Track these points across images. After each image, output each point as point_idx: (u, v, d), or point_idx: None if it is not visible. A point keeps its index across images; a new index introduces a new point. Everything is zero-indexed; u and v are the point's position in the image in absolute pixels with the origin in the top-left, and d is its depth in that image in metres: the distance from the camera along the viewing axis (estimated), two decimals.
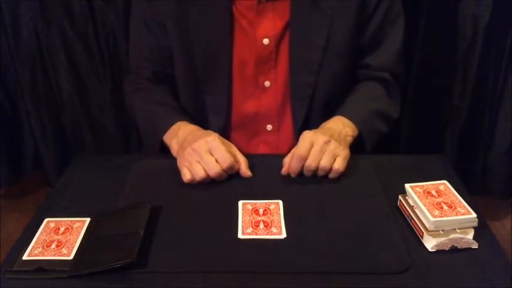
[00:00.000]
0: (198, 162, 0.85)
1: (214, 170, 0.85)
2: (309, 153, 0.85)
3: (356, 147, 0.94)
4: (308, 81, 1.00)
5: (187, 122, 0.98)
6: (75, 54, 1.56)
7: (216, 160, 0.85)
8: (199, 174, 0.85)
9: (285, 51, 0.99)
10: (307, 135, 0.87)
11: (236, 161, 0.87)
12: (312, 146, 0.85)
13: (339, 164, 0.86)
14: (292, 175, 0.87)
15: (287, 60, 1.00)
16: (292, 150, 0.88)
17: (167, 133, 0.97)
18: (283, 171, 0.88)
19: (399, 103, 1.08)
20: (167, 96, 1.06)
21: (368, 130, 0.97)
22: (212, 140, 0.86)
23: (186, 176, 0.86)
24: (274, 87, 1.02)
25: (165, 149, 0.97)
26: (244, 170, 0.88)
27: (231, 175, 0.88)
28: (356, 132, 0.95)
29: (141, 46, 1.07)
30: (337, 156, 0.86)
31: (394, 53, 1.04)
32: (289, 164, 0.87)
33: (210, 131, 0.93)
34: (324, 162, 0.85)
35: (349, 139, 0.93)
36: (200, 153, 0.85)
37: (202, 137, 0.87)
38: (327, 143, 0.86)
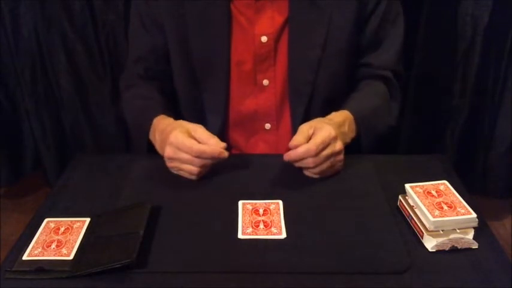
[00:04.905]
0: (180, 168, 0.86)
1: (194, 171, 0.85)
2: (319, 152, 0.83)
3: (353, 146, 0.94)
4: (307, 79, 1.00)
5: (161, 118, 0.95)
6: (75, 54, 1.56)
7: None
8: (194, 174, 0.86)
9: (283, 49, 0.99)
10: (332, 134, 0.84)
11: (204, 142, 0.84)
12: (327, 146, 0.84)
13: (324, 174, 0.86)
14: (288, 157, 0.85)
15: (286, 58, 0.99)
16: (312, 140, 0.84)
17: (150, 133, 0.96)
18: (291, 144, 0.83)
19: (399, 104, 1.08)
20: (153, 91, 1.05)
21: (367, 131, 0.97)
22: (172, 140, 0.84)
23: (190, 177, 0.87)
24: (272, 86, 1.02)
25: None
26: (215, 152, 0.84)
27: (231, 175, 0.88)
28: (354, 134, 0.95)
29: (137, 45, 1.07)
30: (333, 169, 0.87)
31: (395, 52, 1.04)
32: (298, 149, 0.83)
33: (175, 125, 0.89)
34: (320, 172, 0.85)
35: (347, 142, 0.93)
36: (174, 159, 0.85)
37: (165, 140, 0.86)
38: (339, 153, 0.86)
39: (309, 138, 0.84)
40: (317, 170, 0.85)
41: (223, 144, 0.84)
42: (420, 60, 1.49)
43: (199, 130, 0.86)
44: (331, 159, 0.85)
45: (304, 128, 0.86)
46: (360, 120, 0.95)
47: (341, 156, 0.87)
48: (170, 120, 0.94)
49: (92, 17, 1.50)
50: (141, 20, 1.03)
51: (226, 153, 0.84)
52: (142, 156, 0.98)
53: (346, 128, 0.92)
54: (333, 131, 0.85)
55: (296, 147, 0.83)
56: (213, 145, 0.84)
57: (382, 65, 1.04)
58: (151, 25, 1.02)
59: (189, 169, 0.86)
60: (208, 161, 0.85)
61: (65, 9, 1.49)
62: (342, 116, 0.94)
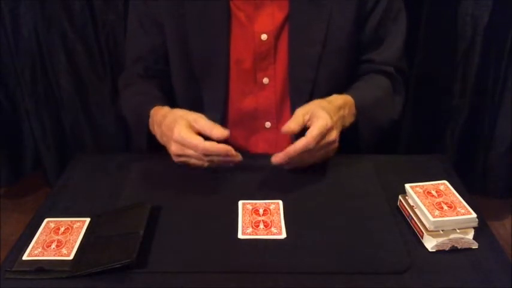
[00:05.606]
0: (189, 162, 0.86)
1: (204, 164, 0.86)
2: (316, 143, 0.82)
3: (352, 142, 0.94)
4: (307, 76, 0.99)
5: (157, 109, 0.94)
6: (75, 54, 1.56)
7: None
8: (205, 166, 0.86)
9: (283, 47, 0.99)
10: (328, 124, 0.83)
11: (207, 133, 0.84)
12: (324, 137, 0.83)
13: (316, 162, 0.87)
14: (287, 154, 0.83)
15: (286, 56, 0.99)
16: (309, 133, 0.82)
17: (150, 124, 0.96)
18: (283, 130, 0.83)
19: (403, 99, 1.07)
20: (152, 87, 1.04)
21: (367, 120, 0.97)
22: (177, 138, 0.83)
23: (202, 167, 0.87)
24: (272, 84, 1.01)
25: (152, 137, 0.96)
26: (221, 150, 0.83)
27: (231, 175, 0.88)
28: (353, 119, 0.95)
29: (135, 45, 1.07)
30: (326, 156, 0.88)
31: (397, 49, 1.03)
32: (296, 145, 0.81)
33: (174, 116, 0.87)
34: (313, 161, 0.86)
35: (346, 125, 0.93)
36: (181, 156, 0.86)
37: (170, 137, 0.85)
38: (334, 142, 0.86)
39: (304, 125, 0.83)
40: (311, 160, 0.86)
41: (227, 133, 0.83)
42: (420, 60, 1.49)
43: (200, 121, 0.85)
44: (325, 149, 0.85)
45: (300, 113, 0.85)
46: (360, 107, 0.95)
47: (335, 145, 0.87)
48: (165, 109, 0.92)
49: (92, 17, 1.50)
50: (140, 21, 1.03)
51: (239, 156, 0.84)
52: (142, 156, 0.98)
53: (346, 111, 0.92)
54: (329, 121, 0.83)
55: (288, 133, 0.83)
56: (216, 134, 0.82)
57: (383, 61, 1.03)
58: (151, 25, 1.02)
59: (199, 163, 0.86)
60: (217, 157, 0.85)
61: (65, 9, 1.49)
62: (342, 98, 0.93)
